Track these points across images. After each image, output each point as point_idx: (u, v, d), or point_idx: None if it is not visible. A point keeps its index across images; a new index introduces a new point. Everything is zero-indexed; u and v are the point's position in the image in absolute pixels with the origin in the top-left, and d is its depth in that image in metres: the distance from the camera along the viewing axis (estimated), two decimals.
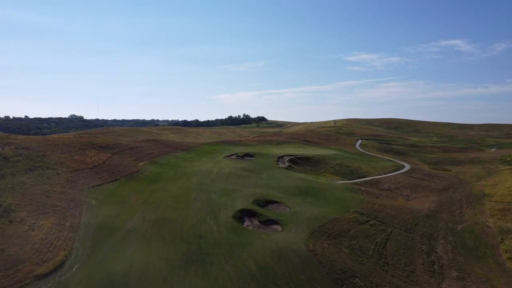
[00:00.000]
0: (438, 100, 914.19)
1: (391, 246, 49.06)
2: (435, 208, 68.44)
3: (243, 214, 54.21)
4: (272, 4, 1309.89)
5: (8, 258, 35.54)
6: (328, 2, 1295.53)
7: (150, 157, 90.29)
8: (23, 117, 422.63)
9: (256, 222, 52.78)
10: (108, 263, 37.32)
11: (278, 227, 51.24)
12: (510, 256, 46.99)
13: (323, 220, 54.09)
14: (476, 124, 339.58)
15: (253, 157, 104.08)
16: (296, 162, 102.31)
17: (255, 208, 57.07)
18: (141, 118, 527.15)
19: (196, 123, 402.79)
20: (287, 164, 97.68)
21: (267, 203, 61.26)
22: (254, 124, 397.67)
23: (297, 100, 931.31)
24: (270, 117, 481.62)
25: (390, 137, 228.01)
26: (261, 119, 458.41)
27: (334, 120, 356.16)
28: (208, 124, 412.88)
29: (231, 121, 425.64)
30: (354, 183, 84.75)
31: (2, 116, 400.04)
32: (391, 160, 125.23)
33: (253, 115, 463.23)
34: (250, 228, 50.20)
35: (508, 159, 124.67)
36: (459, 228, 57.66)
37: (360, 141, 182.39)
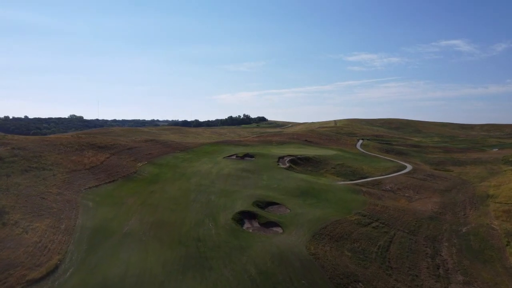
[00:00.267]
0: (438, 100, 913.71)
1: (394, 249, 47.88)
2: (438, 210, 67.24)
3: (243, 216, 53.04)
4: (272, 4, 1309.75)
5: (0, 263, 34.39)
6: (328, 2, 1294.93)
7: (148, 158, 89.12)
8: (22, 117, 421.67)
9: (256, 224, 51.60)
10: (103, 267, 36.15)
11: (279, 230, 50.07)
12: None
13: (324, 222, 52.92)
14: (478, 124, 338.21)
15: (253, 157, 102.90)
16: (297, 162, 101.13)
17: (255, 209, 55.90)
18: (141, 118, 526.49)
19: (196, 123, 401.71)
20: (287, 164, 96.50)
21: (267, 204, 60.08)
22: (254, 124, 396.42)
23: (297, 100, 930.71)
24: (270, 117, 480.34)
25: (391, 137, 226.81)
26: (261, 119, 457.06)
27: (334, 120, 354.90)
28: (208, 124, 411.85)
29: (231, 121, 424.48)
30: (356, 184, 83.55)
31: (2, 116, 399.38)
32: (392, 161, 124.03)
33: (253, 115, 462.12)
34: (250, 230, 49.03)
35: (511, 159, 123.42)
36: (463, 231, 56.45)
37: (361, 141, 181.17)
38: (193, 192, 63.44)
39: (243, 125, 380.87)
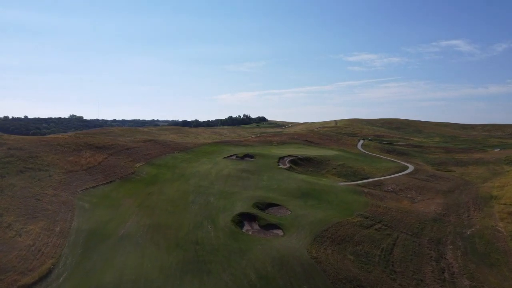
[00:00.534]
0: (439, 101, 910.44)
1: (398, 252, 46.67)
2: (442, 211, 66.01)
3: (243, 218, 51.86)
4: (273, 4, 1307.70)
5: None
6: (329, 2, 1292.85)
7: (147, 158, 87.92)
8: (22, 117, 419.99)
9: (256, 226, 50.41)
10: (98, 272, 34.98)
11: (279, 232, 48.89)
12: None
13: (326, 224, 51.72)
14: (479, 124, 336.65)
15: (253, 158, 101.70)
16: (297, 163, 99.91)
17: (255, 211, 54.71)
18: (141, 118, 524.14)
19: (196, 123, 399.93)
20: (288, 165, 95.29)
21: (267, 206, 58.89)
22: (254, 124, 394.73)
23: (297, 100, 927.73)
24: (270, 117, 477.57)
25: (392, 137, 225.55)
26: (262, 119, 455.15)
27: (335, 120, 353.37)
28: (208, 124, 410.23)
29: (231, 121, 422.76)
30: (357, 185, 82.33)
31: (1, 116, 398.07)
32: (394, 161, 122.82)
33: (253, 115, 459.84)
34: (250, 233, 47.86)
35: None
36: (468, 233, 55.23)
37: (362, 141, 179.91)
38: (191, 194, 62.25)
39: (243, 125, 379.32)
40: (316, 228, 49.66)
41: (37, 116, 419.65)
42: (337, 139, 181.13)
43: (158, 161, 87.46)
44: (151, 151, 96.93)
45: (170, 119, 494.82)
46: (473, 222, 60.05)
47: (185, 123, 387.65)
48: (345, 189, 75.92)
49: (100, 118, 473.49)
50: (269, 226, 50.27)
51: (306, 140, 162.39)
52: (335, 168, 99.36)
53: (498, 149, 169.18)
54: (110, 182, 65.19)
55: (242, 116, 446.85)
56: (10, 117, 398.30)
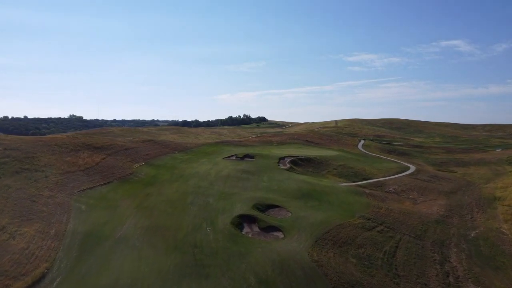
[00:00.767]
0: (439, 101, 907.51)
1: (401, 255, 45.64)
2: (445, 213, 64.98)
3: (242, 220, 50.83)
4: (273, 4, 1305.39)
5: None
6: (329, 2, 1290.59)
7: (146, 159, 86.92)
8: (22, 117, 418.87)
9: (256, 228, 49.38)
10: (93, 276, 33.99)
11: (280, 234, 47.87)
12: None
13: (327, 226, 50.69)
14: (479, 125, 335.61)
15: (253, 158, 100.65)
16: (298, 163, 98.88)
17: (255, 213, 53.68)
18: (141, 118, 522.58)
19: (196, 124, 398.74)
20: (288, 165, 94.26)
21: (267, 207, 57.87)
22: (254, 125, 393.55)
23: (297, 100, 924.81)
24: (270, 117, 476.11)
25: (393, 137, 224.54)
26: (262, 119, 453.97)
27: (335, 120, 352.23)
28: (208, 124, 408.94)
29: (231, 121, 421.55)
30: (358, 186, 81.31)
31: (1, 116, 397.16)
32: (395, 161, 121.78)
33: (253, 115, 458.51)
34: (250, 235, 46.82)
35: None
36: (472, 235, 54.19)
37: (362, 141, 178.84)
38: (190, 195, 61.22)
39: (243, 125, 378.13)
40: (317, 230, 48.64)
41: (36, 116, 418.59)
42: (337, 139, 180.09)
43: (157, 162, 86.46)
44: (150, 151, 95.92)
45: (170, 119, 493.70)
46: (477, 224, 59.02)
47: (185, 123, 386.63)
48: (346, 190, 74.90)
49: (100, 118, 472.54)
50: (269, 228, 49.25)
51: (307, 140, 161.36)
52: (335, 169, 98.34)
53: (500, 149, 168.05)
54: (108, 183, 64.21)
55: (242, 116, 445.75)
56: (10, 117, 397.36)
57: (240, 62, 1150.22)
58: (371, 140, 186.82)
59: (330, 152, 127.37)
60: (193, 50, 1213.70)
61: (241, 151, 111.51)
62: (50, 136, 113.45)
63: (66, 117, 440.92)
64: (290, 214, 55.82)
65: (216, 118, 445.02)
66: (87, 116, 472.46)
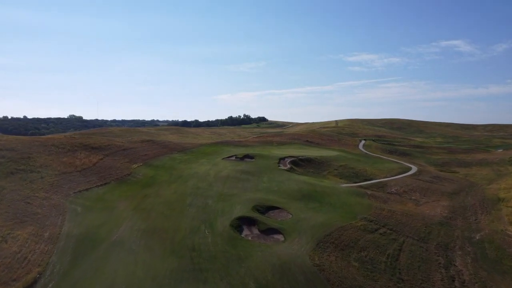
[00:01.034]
0: (439, 101, 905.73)
1: (404, 258, 44.44)
2: (448, 214, 63.77)
3: (242, 222, 49.63)
4: (272, 4, 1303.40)
5: None
6: (328, 2, 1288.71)
7: (144, 159, 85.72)
8: (21, 117, 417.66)
9: (255, 231, 48.17)
10: (87, 281, 32.82)
11: (280, 237, 46.67)
12: None
13: (329, 228, 49.50)
14: (480, 125, 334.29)
15: (253, 158, 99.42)
16: (298, 164, 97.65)
17: (255, 215, 52.47)
18: (141, 119, 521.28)
19: (196, 124, 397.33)
20: (288, 166, 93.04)
21: (267, 209, 56.67)
22: (254, 125, 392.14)
23: (298, 101, 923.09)
24: (270, 117, 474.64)
25: (394, 137, 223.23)
26: (262, 120, 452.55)
27: (335, 121, 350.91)
28: (208, 124, 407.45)
29: (231, 122, 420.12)
30: (360, 187, 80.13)
31: (1, 116, 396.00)
32: (396, 162, 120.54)
33: (253, 115, 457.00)
34: (249, 238, 45.64)
35: None
36: (477, 238, 52.96)
37: (363, 141, 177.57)
38: (189, 196, 60.01)
39: (243, 126, 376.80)
40: (319, 233, 47.46)
41: (36, 116, 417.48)
42: (338, 140, 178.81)
43: (156, 162, 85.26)
44: (148, 151, 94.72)
45: (170, 119, 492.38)
46: (481, 226, 57.79)
47: (185, 123, 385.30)
48: (347, 191, 73.70)
49: (99, 118, 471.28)
50: (269, 231, 48.06)
51: (307, 141, 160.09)
52: (336, 169, 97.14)
53: (501, 150, 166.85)
54: (105, 184, 63.04)
55: (242, 116, 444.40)
56: (9, 117, 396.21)
57: (240, 62, 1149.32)
58: (372, 140, 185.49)
59: (330, 153, 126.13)
60: (193, 50, 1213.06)
61: (241, 151, 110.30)
62: (47, 136, 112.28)
63: (66, 117, 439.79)
64: (291, 216, 54.63)
65: (216, 118, 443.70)
66: (86, 116, 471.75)
